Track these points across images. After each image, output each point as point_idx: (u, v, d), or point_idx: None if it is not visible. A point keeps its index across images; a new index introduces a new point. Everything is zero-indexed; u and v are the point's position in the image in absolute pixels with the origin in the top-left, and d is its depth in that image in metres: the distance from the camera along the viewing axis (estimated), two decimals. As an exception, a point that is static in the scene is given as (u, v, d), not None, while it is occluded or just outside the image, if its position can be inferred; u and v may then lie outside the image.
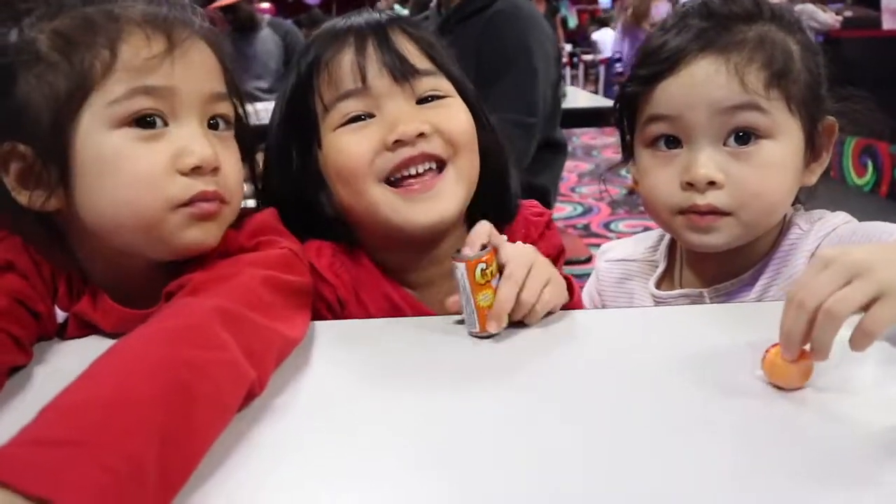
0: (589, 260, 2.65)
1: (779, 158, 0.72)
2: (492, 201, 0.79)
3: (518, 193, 0.84)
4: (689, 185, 0.73)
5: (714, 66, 0.71)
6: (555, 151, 1.95)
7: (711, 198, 0.72)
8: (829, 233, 0.73)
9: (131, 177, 0.61)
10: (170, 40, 0.62)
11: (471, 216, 0.77)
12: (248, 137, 0.74)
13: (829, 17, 4.86)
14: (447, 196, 0.73)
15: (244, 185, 0.74)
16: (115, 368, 0.47)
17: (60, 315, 0.68)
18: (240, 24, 3.96)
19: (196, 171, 0.62)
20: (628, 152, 0.83)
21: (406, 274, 0.79)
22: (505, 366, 0.61)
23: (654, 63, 0.75)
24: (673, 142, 0.75)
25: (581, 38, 13.79)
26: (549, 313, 0.69)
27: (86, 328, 0.68)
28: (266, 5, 6.36)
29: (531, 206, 0.87)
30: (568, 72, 8.58)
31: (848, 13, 5.20)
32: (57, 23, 0.61)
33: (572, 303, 0.74)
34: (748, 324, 0.65)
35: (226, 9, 3.95)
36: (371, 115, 0.73)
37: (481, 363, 0.62)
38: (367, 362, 0.62)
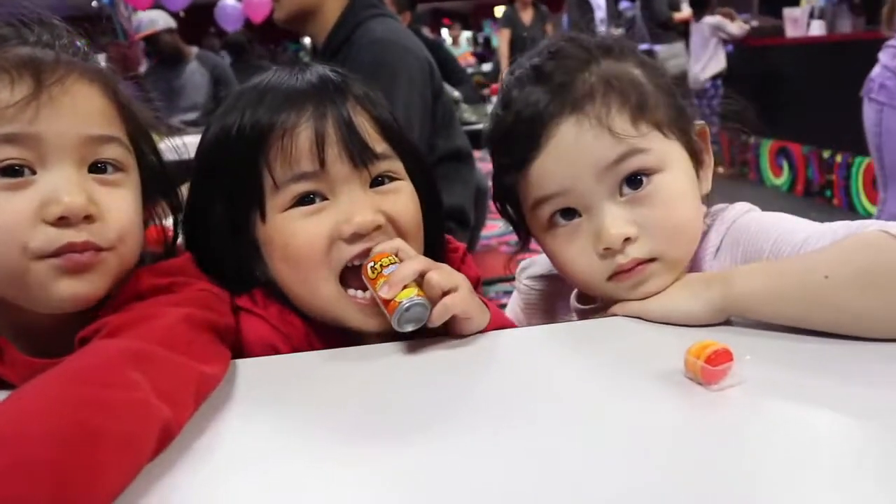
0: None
1: (677, 187, 0.71)
2: (429, 250, 0.77)
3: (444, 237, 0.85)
4: (607, 250, 0.70)
5: (576, 123, 0.68)
6: (459, 160, 1.90)
7: (632, 252, 0.70)
8: (730, 226, 0.75)
9: None
10: (37, 83, 0.59)
11: None
12: (165, 175, 0.72)
13: (736, 28, 5.10)
14: None
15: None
16: (11, 408, 0.45)
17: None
18: (163, 57, 3.92)
19: (63, 220, 0.59)
20: (524, 236, 0.80)
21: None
22: (433, 389, 0.61)
23: (514, 146, 0.71)
24: (569, 212, 0.72)
25: (508, 58, 14.10)
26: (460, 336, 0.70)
27: None
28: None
29: (447, 241, 0.87)
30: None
31: (754, 23, 5.48)
32: None
33: (495, 323, 0.73)
34: (667, 328, 0.68)
35: (148, 40, 3.91)
36: (324, 197, 0.70)
37: (411, 389, 0.62)
38: (290, 398, 0.62)
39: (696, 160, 0.75)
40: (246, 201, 0.71)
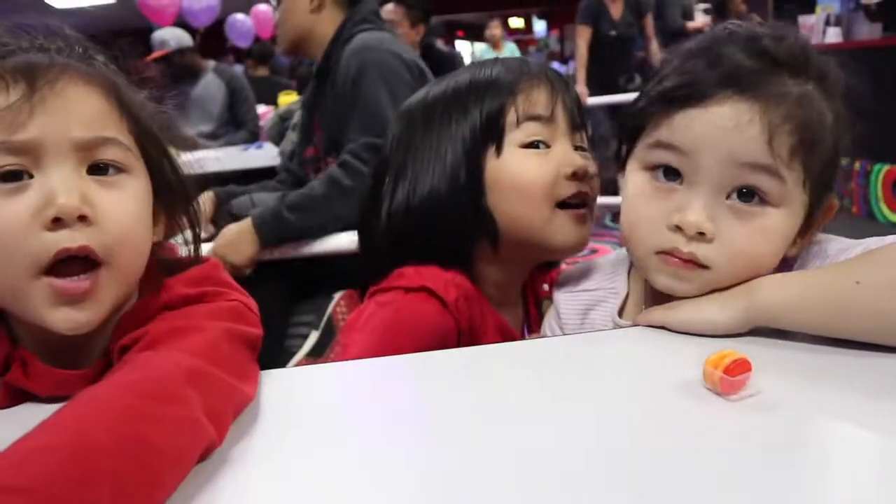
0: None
1: (776, 228, 0.68)
2: None
3: None
4: (677, 228, 0.69)
5: (748, 114, 0.65)
6: None
7: (695, 247, 0.68)
8: None
9: None
10: (30, 87, 0.58)
11: None
12: (183, 186, 0.71)
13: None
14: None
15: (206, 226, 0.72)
16: (75, 417, 0.46)
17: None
18: (176, 76, 3.95)
19: (58, 222, 0.57)
20: (620, 163, 0.79)
21: (499, 301, 0.93)
22: (456, 396, 0.61)
23: (681, 85, 0.68)
24: (674, 174, 0.70)
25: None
26: None
27: (17, 397, 0.66)
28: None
29: None
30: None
31: (769, 31, 5.45)
32: None
33: None
34: (688, 338, 0.68)
35: (161, 60, 3.94)
36: (547, 145, 0.87)
37: (448, 399, 0.62)
38: (320, 410, 0.62)
39: (806, 225, 0.71)
40: (491, 134, 0.86)
